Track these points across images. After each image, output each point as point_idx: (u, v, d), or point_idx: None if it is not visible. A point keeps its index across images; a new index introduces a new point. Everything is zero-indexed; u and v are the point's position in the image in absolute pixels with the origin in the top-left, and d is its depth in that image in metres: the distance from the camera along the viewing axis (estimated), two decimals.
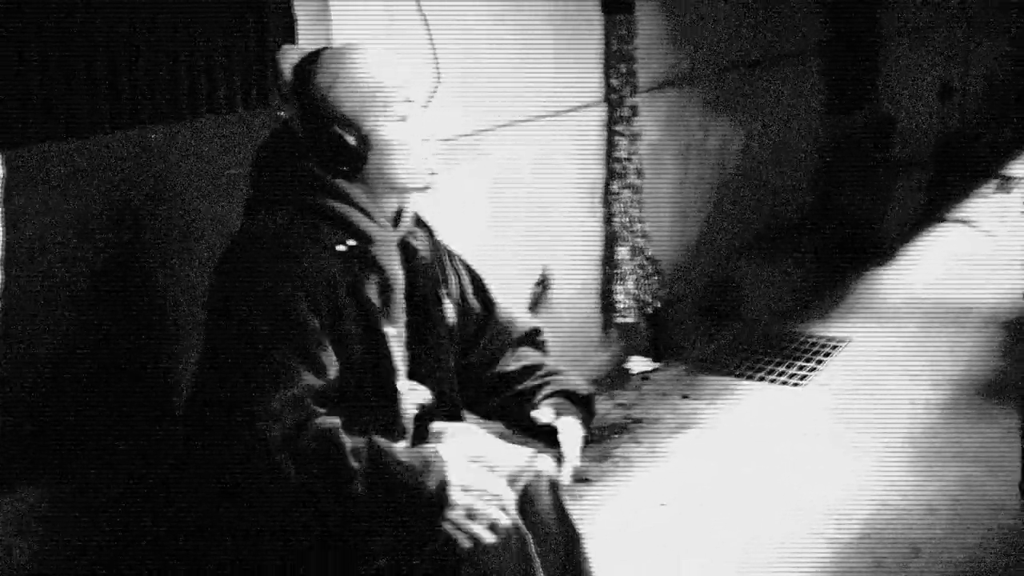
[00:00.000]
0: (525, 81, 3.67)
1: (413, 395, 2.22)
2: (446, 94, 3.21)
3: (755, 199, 5.51)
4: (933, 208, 6.80)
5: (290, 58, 2.10)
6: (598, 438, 3.78)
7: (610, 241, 4.25)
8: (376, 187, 2.08)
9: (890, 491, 3.42)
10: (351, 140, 2.02)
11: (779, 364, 4.47)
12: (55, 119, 2.25)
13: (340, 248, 2.02)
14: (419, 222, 2.28)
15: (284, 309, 1.92)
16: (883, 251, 5.98)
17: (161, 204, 2.46)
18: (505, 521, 1.96)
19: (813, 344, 4.69)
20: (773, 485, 3.48)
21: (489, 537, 1.93)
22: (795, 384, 4.28)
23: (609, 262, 4.26)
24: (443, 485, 1.90)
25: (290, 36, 2.72)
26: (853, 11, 6.43)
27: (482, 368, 2.38)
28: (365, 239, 2.06)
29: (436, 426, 2.28)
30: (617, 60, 4.13)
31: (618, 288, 4.25)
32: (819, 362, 4.49)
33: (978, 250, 6.08)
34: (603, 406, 4.07)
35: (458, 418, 2.33)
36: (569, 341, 4.08)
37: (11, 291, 2.08)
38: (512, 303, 3.71)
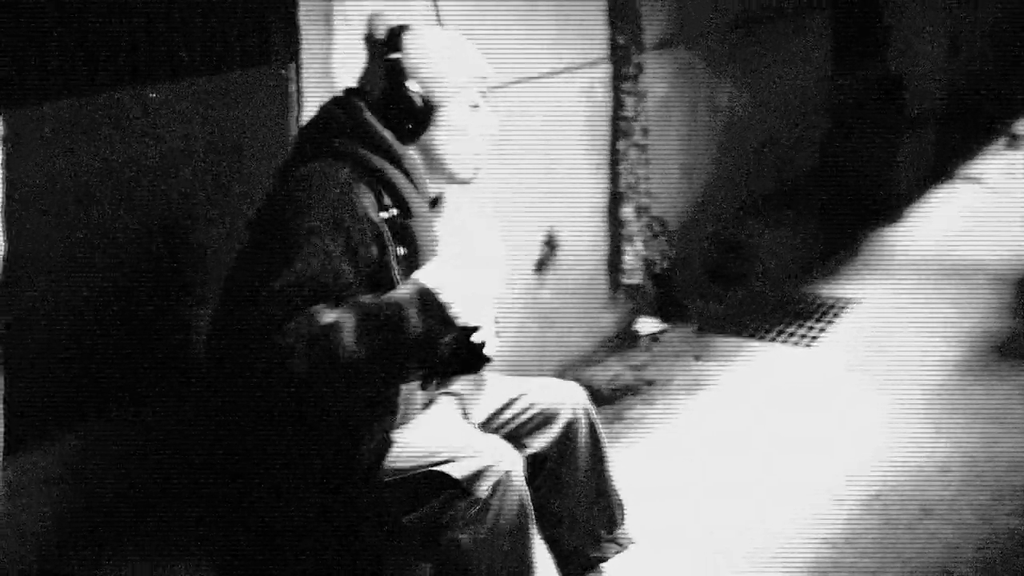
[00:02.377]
0: (530, 39, 3.62)
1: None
2: None
3: (762, 158, 5.46)
4: (942, 165, 6.76)
5: (382, 23, 2.18)
6: (611, 399, 3.77)
7: (616, 200, 4.20)
8: (427, 162, 2.13)
9: (902, 449, 3.40)
10: (419, 102, 2.08)
11: (790, 324, 4.44)
12: (55, 78, 2.21)
13: (384, 215, 2.02)
14: None
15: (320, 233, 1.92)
16: (892, 209, 5.94)
17: (163, 161, 2.43)
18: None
19: (823, 303, 4.66)
20: (784, 445, 3.46)
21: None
22: (807, 344, 4.25)
23: (615, 222, 4.22)
24: (426, 296, 1.91)
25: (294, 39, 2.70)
26: None
27: None
28: (406, 210, 2.07)
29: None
30: (623, 17, 4.07)
31: (625, 248, 4.21)
32: (830, 321, 4.46)
33: (987, 207, 6.04)
34: (614, 367, 4.06)
35: None
36: (576, 302, 4.05)
37: (16, 249, 2.05)
38: (518, 263, 3.69)
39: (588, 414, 2.36)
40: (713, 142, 4.99)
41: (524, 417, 2.31)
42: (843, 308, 4.60)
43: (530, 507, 2.07)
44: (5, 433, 1.68)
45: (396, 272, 2.01)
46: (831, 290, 4.83)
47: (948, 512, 3.06)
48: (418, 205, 2.08)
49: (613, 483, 2.43)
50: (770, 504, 3.13)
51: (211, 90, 2.55)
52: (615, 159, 4.17)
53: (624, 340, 4.30)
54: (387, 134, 2.07)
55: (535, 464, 2.29)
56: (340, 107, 2.11)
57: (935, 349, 4.15)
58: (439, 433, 2.13)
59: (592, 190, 4.13)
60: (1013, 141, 7.41)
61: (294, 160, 2.09)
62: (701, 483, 3.25)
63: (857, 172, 6.02)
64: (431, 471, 2.00)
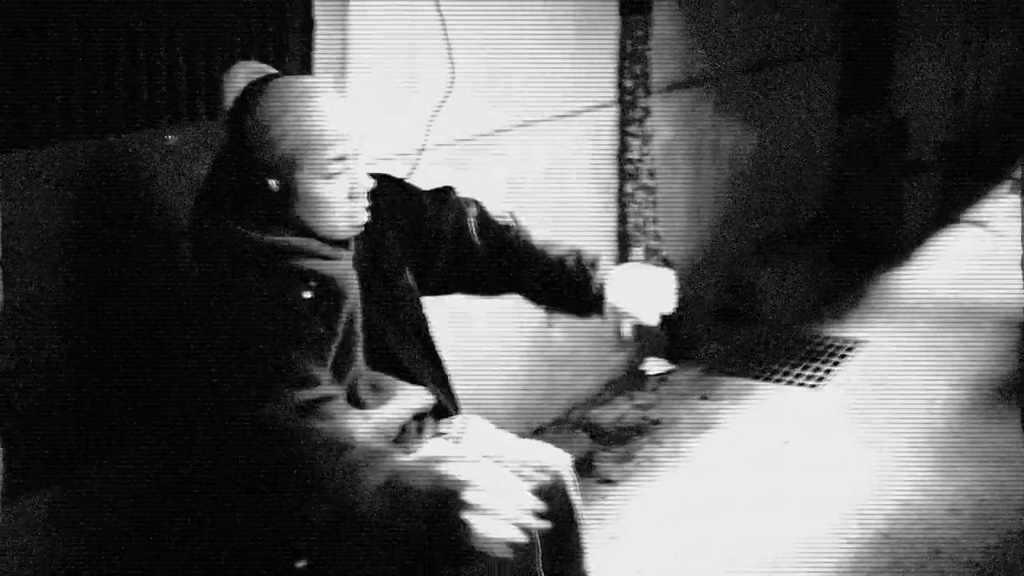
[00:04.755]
0: (540, 82, 3.66)
1: (411, 399, 2.21)
2: (462, 94, 3.20)
3: (769, 200, 5.49)
4: (947, 210, 6.79)
5: (238, 79, 2.02)
6: (618, 438, 3.78)
7: (624, 242, 4.23)
8: (300, 231, 2.00)
9: (911, 491, 3.40)
10: (275, 187, 1.94)
11: (796, 365, 4.45)
12: (59, 120, 2.21)
13: (307, 295, 1.97)
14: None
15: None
16: (898, 252, 5.96)
17: (162, 208, 2.43)
18: (530, 523, 1.84)
19: (830, 345, 4.68)
20: (793, 485, 3.46)
21: (521, 538, 1.80)
22: (813, 385, 4.26)
23: (623, 263, 4.24)
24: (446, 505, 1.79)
25: (308, 37, 2.71)
26: (867, 13, 6.42)
27: (497, 246, 2.37)
28: (325, 281, 2.01)
29: (449, 423, 2.29)
30: (631, 61, 4.11)
31: None
32: (836, 363, 4.47)
33: (992, 251, 6.06)
34: (622, 407, 4.07)
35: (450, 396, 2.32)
36: (584, 342, 4.07)
37: (11, 294, 2.06)
38: (528, 305, 3.71)
39: (565, 483, 2.28)
40: (720, 184, 5.02)
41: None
42: (850, 350, 4.61)
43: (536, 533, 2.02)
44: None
45: (325, 332, 2.00)
46: (837, 332, 4.84)
47: (957, 553, 3.06)
48: (331, 266, 2.02)
49: (581, 554, 2.34)
50: (779, 544, 3.13)
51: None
52: (623, 201, 4.20)
53: (632, 380, 4.31)
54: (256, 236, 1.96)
55: None
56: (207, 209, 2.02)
57: (941, 391, 4.16)
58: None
59: (599, 232, 4.15)
60: (1017, 185, 7.43)
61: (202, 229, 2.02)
62: (708, 523, 3.25)
63: (863, 215, 6.05)
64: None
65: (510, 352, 3.65)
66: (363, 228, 2.07)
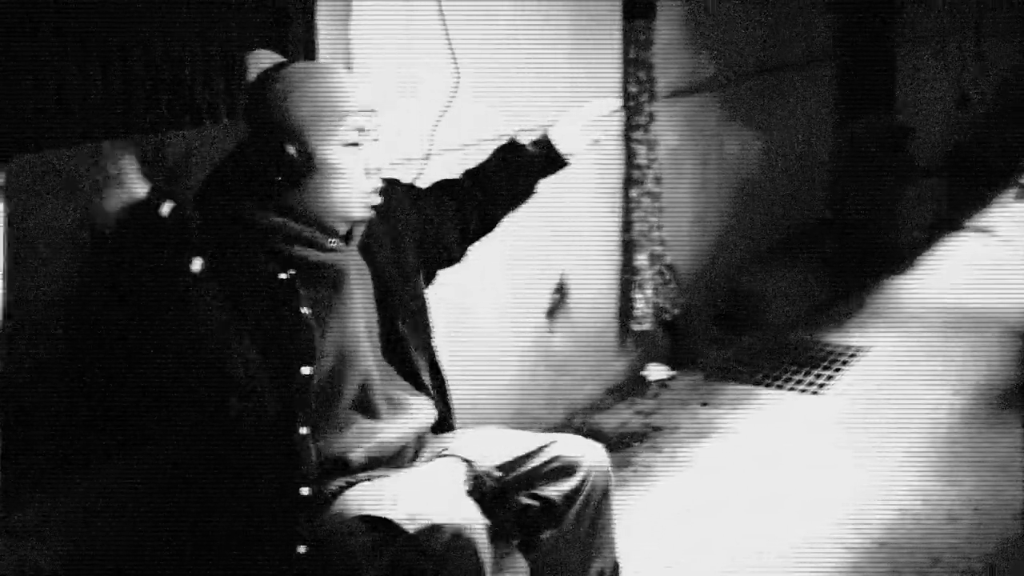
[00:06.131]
0: (544, 87, 3.67)
1: (418, 418, 2.24)
2: (466, 99, 3.22)
3: (773, 206, 5.50)
4: (951, 216, 6.78)
5: (260, 63, 2.08)
6: (619, 445, 3.78)
7: (628, 248, 4.24)
8: (313, 209, 2.03)
9: (910, 498, 3.41)
10: (293, 152, 1.97)
11: (797, 372, 4.46)
12: (60, 124, 2.23)
13: (282, 276, 1.99)
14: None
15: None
16: (901, 259, 5.96)
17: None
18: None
19: (831, 352, 4.68)
20: (792, 492, 3.47)
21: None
22: (814, 392, 4.27)
23: (627, 269, 4.25)
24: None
25: (310, 39, 2.72)
26: (870, 18, 6.42)
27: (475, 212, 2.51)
28: (307, 267, 2.03)
29: (452, 438, 2.32)
30: (635, 67, 4.13)
31: (636, 295, 4.24)
32: (838, 369, 4.48)
33: (996, 257, 6.06)
34: (622, 414, 4.08)
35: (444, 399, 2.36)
36: (586, 348, 4.08)
37: (14, 299, 2.07)
38: (529, 310, 3.72)
39: (606, 475, 2.31)
40: (724, 190, 5.03)
41: (545, 467, 2.26)
42: (851, 356, 4.62)
43: (485, 566, 2.01)
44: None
45: (310, 321, 2.00)
46: (839, 338, 4.85)
47: (956, 560, 3.07)
48: (322, 251, 2.05)
49: (613, 544, 2.37)
50: (777, 550, 3.13)
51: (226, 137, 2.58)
52: (628, 207, 4.21)
53: (633, 386, 4.32)
54: (262, 214, 2.01)
55: (544, 511, 2.29)
56: (219, 182, 2.07)
57: (943, 398, 4.16)
58: (412, 483, 2.09)
59: (603, 237, 4.17)
60: (1022, 192, 7.43)
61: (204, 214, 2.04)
62: (707, 528, 3.26)
63: (866, 221, 6.05)
64: (383, 519, 1.97)
65: (510, 358, 3.67)
66: (373, 214, 2.10)
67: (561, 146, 2.59)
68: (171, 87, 2.42)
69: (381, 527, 1.96)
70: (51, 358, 2.25)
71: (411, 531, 1.92)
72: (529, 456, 2.26)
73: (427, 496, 2.00)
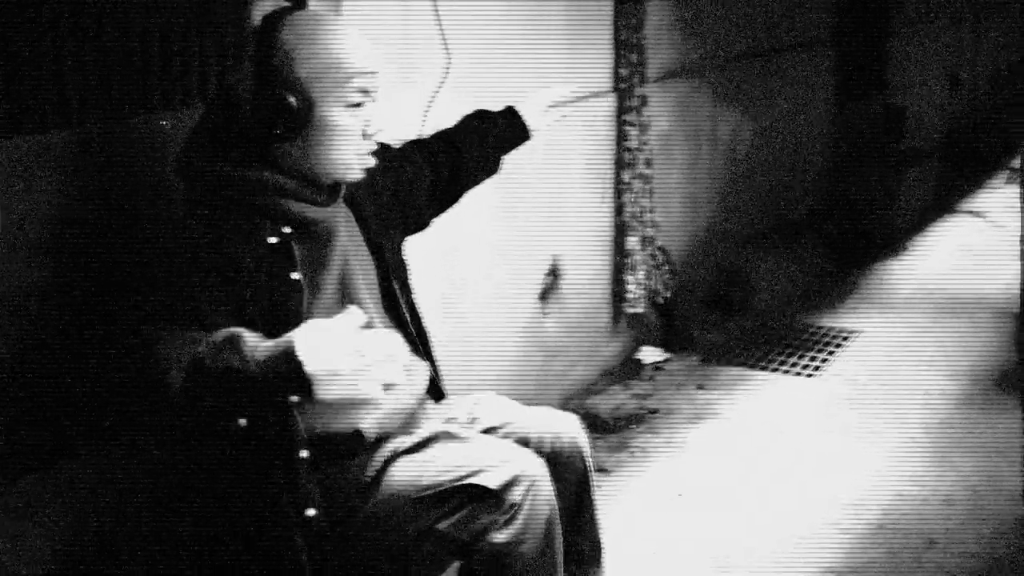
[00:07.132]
0: (535, 70, 3.64)
1: (419, 376, 2.21)
2: (457, 83, 3.19)
3: (765, 189, 5.48)
4: (943, 199, 6.79)
5: (265, 5, 2.04)
6: (615, 428, 3.77)
7: (620, 231, 4.22)
8: (306, 166, 1.99)
9: (906, 482, 3.40)
10: (293, 103, 1.92)
11: (792, 354, 4.45)
12: (54, 107, 2.20)
13: (272, 240, 1.96)
14: None
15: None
16: (894, 242, 5.96)
17: (156, 194, 2.41)
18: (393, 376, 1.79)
19: (825, 335, 4.67)
20: (788, 475, 3.46)
21: (379, 393, 1.76)
22: (809, 375, 4.26)
23: (619, 252, 4.24)
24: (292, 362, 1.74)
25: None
26: (862, 1, 6.40)
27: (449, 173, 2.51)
28: (300, 223, 2.00)
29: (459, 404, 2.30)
30: (627, 49, 4.10)
31: (628, 278, 4.22)
32: (831, 352, 4.47)
33: (988, 241, 6.06)
34: (618, 397, 4.06)
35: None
36: (579, 331, 4.06)
37: (6, 284, 2.04)
38: (521, 292, 3.71)
39: (577, 447, 2.27)
40: (716, 173, 5.01)
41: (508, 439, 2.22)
42: (845, 340, 4.61)
43: (556, 509, 2.06)
44: None
45: (303, 284, 1.97)
46: (833, 322, 4.84)
47: (952, 543, 3.06)
48: (314, 205, 2.02)
49: (595, 523, 2.35)
50: (773, 535, 3.12)
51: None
52: (620, 189, 4.19)
53: (627, 369, 4.31)
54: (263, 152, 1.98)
55: None
56: (205, 129, 2.01)
57: (936, 382, 4.16)
58: (463, 447, 2.08)
59: (596, 220, 4.15)
60: (1015, 176, 7.43)
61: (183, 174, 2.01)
62: (703, 511, 3.25)
63: (859, 205, 6.05)
64: (466, 484, 1.98)
65: (503, 342, 3.65)
66: (365, 174, 2.07)
67: (526, 119, 2.64)
68: (161, 69, 2.39)
69: (455, 494, 1.98)
70: (39, 343, 2.23)
71: (493, 487, 1.96)
72: (491, 431, 2.25)
73: (503, 453, 2.05)
